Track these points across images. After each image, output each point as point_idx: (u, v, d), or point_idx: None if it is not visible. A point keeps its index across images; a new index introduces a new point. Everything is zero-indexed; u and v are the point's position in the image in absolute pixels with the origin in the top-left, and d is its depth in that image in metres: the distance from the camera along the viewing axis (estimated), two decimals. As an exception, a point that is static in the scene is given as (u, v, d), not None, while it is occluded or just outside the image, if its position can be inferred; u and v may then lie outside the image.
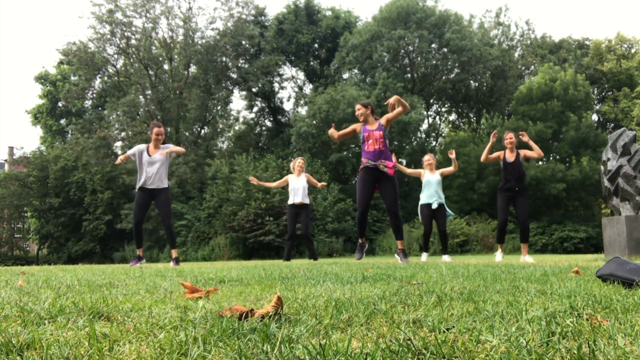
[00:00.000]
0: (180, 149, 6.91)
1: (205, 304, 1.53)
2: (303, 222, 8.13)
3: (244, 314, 1.23)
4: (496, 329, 1.06)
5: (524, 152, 6.76)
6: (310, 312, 1.34)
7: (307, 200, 8.10)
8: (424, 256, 7.48)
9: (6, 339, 0.99)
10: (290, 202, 8.17)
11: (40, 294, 1.91)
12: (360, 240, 6.28)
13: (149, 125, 8.45)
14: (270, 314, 1.24)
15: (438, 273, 2.97)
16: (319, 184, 8.30)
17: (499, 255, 6.79)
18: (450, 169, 7.59)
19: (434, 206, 7.37)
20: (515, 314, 1.28)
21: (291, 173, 8.35)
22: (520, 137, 6.66)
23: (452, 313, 1.31)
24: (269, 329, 1.08)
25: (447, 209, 7.49)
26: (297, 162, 8.26)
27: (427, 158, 7.66)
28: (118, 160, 6.79)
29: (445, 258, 7.18)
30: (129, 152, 6.75)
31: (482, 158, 6.88)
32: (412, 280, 2.44)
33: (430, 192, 7.44)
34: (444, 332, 1.07)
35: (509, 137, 6.75)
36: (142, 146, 6.69)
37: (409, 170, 7.81)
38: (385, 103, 6.08)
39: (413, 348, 0.90)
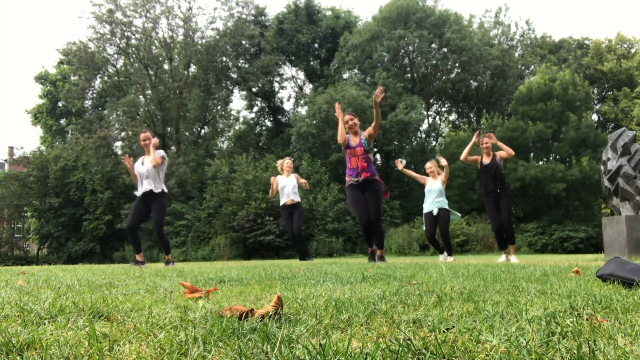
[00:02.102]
0: (156, 157, 6.49)
1: (205, 304, 1.53)
2: (295, 222, 8.06)
3: (244, 314, 1.23)
4: (496, 329, 1.06)
5: (499, 154, 6.96)
6: (310, 312, 1.34)
7: (297, 199, 8.06)
8: (442, 257, 7.48)
9: (6, 338, 0.99)
10: (282, 202, 8.14)
11: (40, 294, 1.91)
12: (370, 249, 6.36)
13: (149, 125, 8.36)
14: (270, 314, 1.24)
15: (438, 273, 2.97)
16: (305, 184, 8.19)
17: (502, 258, 6.90)
18: (442, 176, 7.73)
19: (435, 212, 7.44)
20: (515, 314, 1.28)
21: (280, 174, 8.28)
22: (488, 138, 6.86)
23: (452, 313, 1.31)
24: (269, 329, 1.08)
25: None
26: (286, 163, 8.19)
27: (429, 166, 7.68)
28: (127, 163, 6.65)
29: (449, 258, 7.19)
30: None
31: (462, 157, 7.07)
32: (412, 280, 2.44)
33: (431, 200, 7.51)
34: (444, 332, 1.07)
35: (485, 142, 6.94)
36: (140, 158, 6.69)
37: (416, 175, 7.89)
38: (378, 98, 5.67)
39: (413, 348, 0.90)
